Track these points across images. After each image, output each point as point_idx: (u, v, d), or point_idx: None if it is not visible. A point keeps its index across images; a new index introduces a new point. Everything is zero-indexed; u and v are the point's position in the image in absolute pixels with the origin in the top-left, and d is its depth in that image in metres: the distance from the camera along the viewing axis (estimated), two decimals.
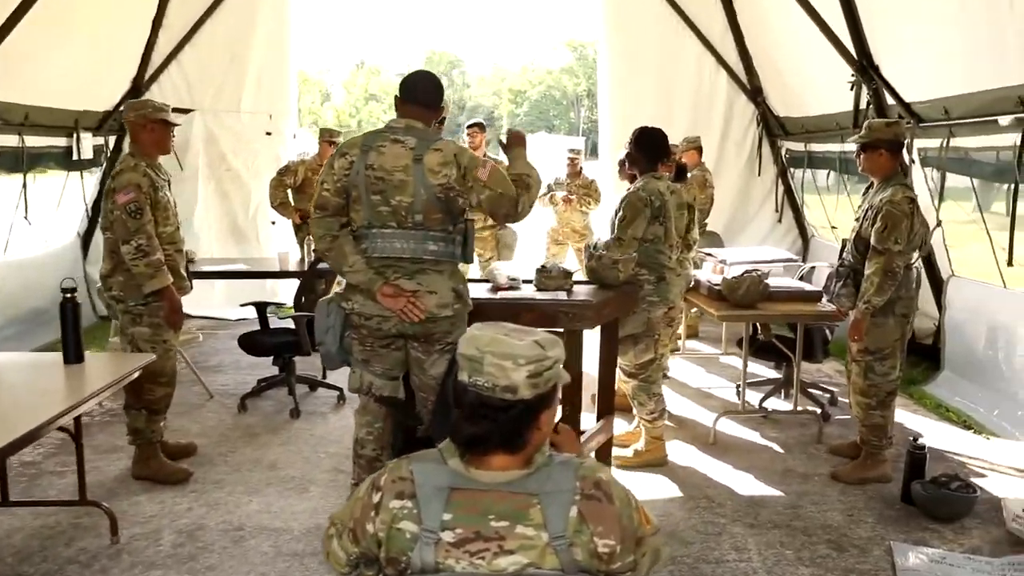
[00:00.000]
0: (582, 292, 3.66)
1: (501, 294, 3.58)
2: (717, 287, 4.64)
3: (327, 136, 6.74)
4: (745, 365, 4.76)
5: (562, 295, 3.55)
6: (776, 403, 5.24)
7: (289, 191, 6.68)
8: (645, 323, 4.09)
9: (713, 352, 6.59)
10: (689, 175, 7.05)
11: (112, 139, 7.83)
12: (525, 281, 3.79)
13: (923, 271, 6.19)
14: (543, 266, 3.70)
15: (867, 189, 4.25)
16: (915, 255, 4.07)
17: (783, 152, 8.12)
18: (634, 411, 4.34)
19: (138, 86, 7.82)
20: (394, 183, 3.01)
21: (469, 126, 6.84)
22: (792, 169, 8.11)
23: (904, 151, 5.70)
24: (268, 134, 8.15)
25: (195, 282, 4.35)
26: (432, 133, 3.11)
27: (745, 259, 5.31)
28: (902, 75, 5.58)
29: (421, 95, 3.14)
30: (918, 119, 5.51)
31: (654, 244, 4.06)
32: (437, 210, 3.05)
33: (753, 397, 5.35)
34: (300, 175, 6.64)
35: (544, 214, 7.37)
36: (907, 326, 4.10)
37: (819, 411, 5.07)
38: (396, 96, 3.17)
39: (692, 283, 5.05)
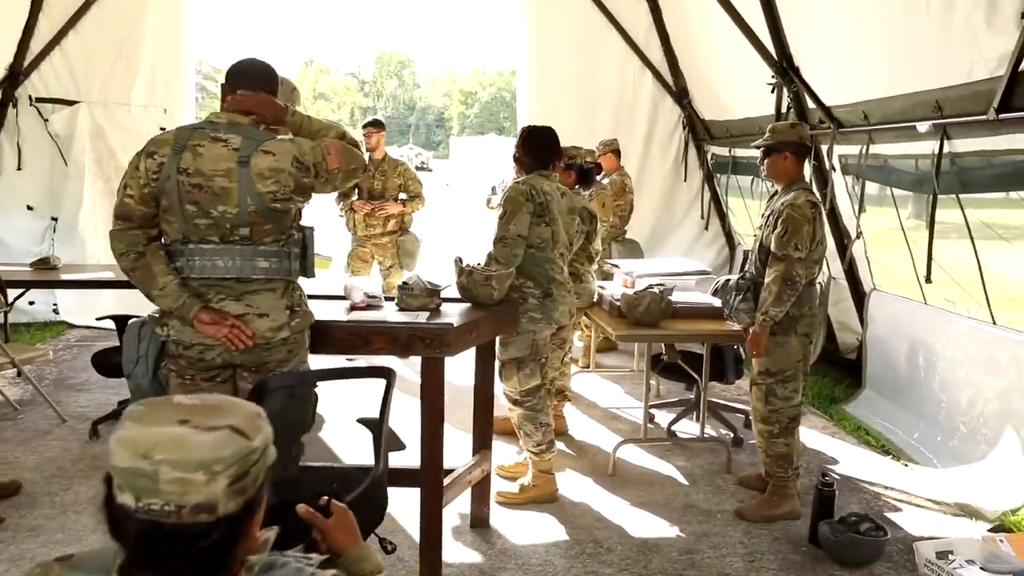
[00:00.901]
0: (450, 313, 3.21)
1: (354, 314, 3.11)
2: (618, 302, 4.24)
3: None
4: (647, 388, 4.36)
5: (423, 316, 3.10)
6: (688, 426, 4.88)
7: None
8: (530, 345, 3.67)
9: (627, 369, 6.20)
10: (607, 180, 6.71)
11: None
12: (389, 299, 3.34)
13: (837, 286, 5.96)
14: (404, 283, 3.24)
15: (772, 196, 3.90)
16: (817, 269, 3.74)
17: (709, 157, 7.81)
18: (519, 442, 3.91)
19: (16, 73, 7.17)
20: (214, 191, 2.53)
21: (364, 125, 6.30)
22: (718, 174, 7.80)
23: (824, 157, 5.45)
24: (162, 129, 7.50)
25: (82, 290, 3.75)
26: (263, 131, 2.63)
27: (654, 271, 4.93)
28: (822, 78, 5.28)
29: (253, 83, 2.67)
30: (838, 124, 5.21)
31: (540, 250, 3.65)
32: (268, 222, 2.58)
33: (665, 419, 4.97)
34: None
35: (478, 220, 6.81)
36: (810, 347, 3.77)
37: (731, 435, 4.72)
38: (221, 85, 2.69)
39: (596, 297, 4.65)
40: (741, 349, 4.71)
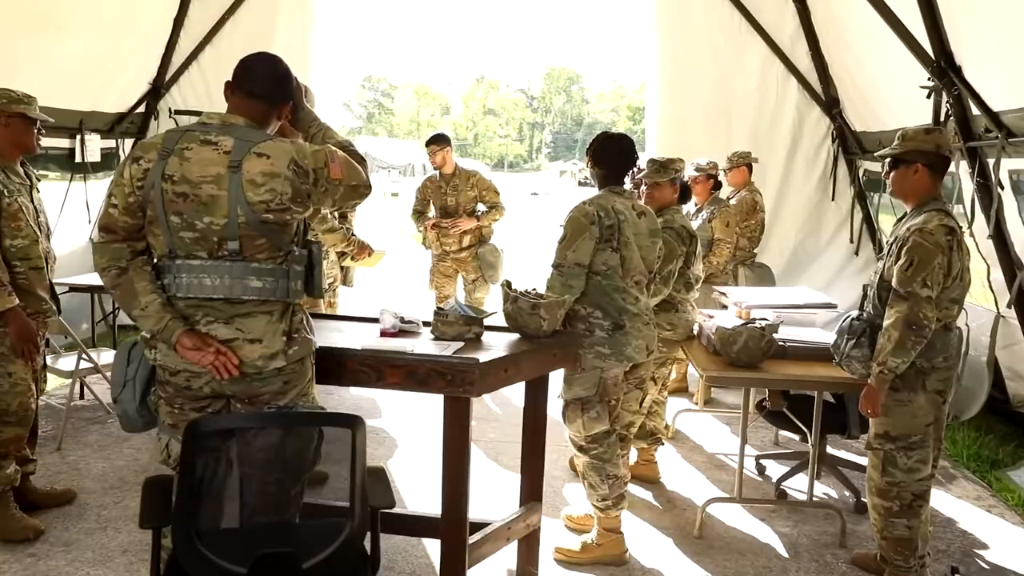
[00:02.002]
0: (491, 344, 2.81)
1: (372, 343, 2.77)
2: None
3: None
4: (743, 439, 3.73)
5: (454, 347, 2.71)
6: (802, 483, 4.18)
7: None
8: (596, 384, 3.19)
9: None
10: (735, 198, 6.06)
11: (129, 142, 7.52)
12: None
13: (1008, 327, 5.00)
14: (439, 308, 2.87)
15: (900, 219, 3.21)
16: (956, 310, 3.02)
17: (861, 173, 6.92)
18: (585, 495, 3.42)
19: (158, 87, 7.50)
20: (200, 199, 2.27)
21: (428, 143, 6.02)
22: (870, 193, 6.89)
23: (990, 172, 4.58)
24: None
25: None
26: (258, 132, 2.35)
27: (769, 302, 4.28)
28: (989, 79, 4.42)
29: (259, 85, 2.40)
30: (1008, 132, 4.34)
31: (607, 278, 3.17)
32: (260, 235, 2.30)
33: (780, 472, 4.30)
34: None
35: None
36: (944, 407, 3.05)
37: (853, 499, 3.98)
38: (226, 83, 2.44)
39: (695, 329, 4.08)
40: None
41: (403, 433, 4.89)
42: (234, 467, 2.22)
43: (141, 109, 7.52)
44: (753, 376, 3.48)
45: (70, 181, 6.96)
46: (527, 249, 12.25)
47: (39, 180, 3.58)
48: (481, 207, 5.97)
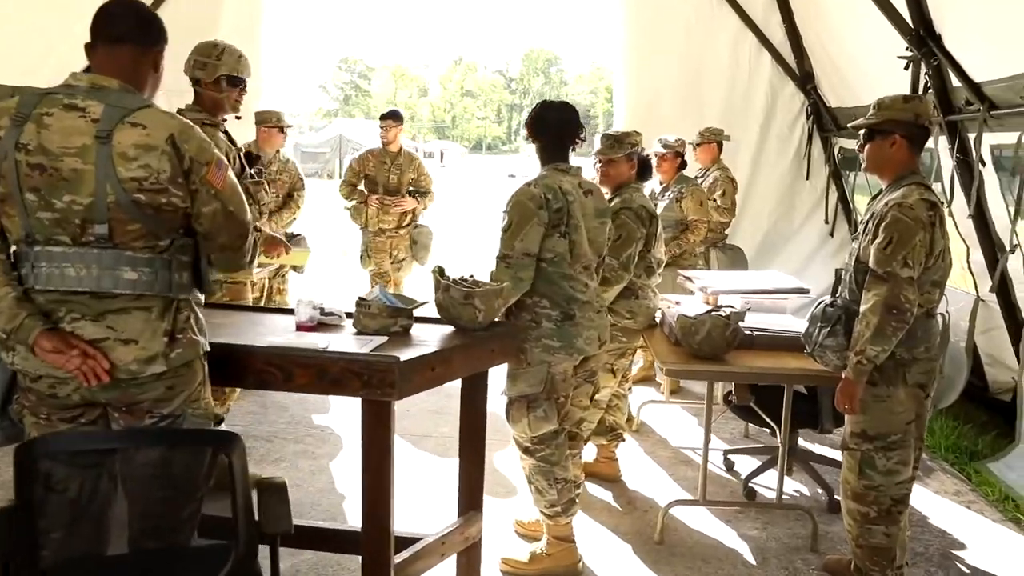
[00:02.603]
0: (419, 339, 2.50)
1: (292, 337, 2.45)
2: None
3: (260, 120, 5.73)
4: (707, 438, 3.43)
5: (377, 342, 2.40)
6: (773, 479, 3.91)
7: None
8: (543, 381, 2.88)
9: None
10: (706, 177, 5.77)
11: None
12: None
13: (988, 310, 4.77)
14: (362, 298, 2.55)
15: (874, 197, 2.93)
16: (937, 294, 2.76)
17: (836, 151, 6.65)
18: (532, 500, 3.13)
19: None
20: (61, 174, 1.93)
21: (383, 117, 6.05)
22: (846, 171, 6.63)
23: (971, 147, 4.32)
24: (238, 117, 7.18)
25: None
26: (134, 97, 2.01)
27: (737, 287, 3.99)
28: (970, 48, 4.16)
29: (119, 24, 2.03)
30: (990, 104, 4.07)
31: (554, 265, 2.86)
32: (133, 219, 1.97)
33: (749, 467, 4.04)
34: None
35: None
36: (926, 402, 2.78)
37: (826, 497, 3.73)
38: (85, 44, 2.08)
39: (658, 317, 3.79)
40: None
41: (351, 430, 4.58)
42: (101, 489, 1.91)
43: None
44: (716, 369, 3.19)
45: None
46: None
47: None
48: (411, 190, 6.06)
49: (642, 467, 4.16)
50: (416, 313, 2.60)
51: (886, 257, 2.62)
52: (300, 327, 2.57)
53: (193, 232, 2.09)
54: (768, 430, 4.03)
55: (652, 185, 5.56)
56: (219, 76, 3.46)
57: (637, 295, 3.67)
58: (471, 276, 2.75)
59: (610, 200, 3.68)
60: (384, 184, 5.97)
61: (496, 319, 2.67)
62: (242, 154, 3.68)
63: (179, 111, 3.63)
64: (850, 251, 2.95)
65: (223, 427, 3.57)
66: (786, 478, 3.94)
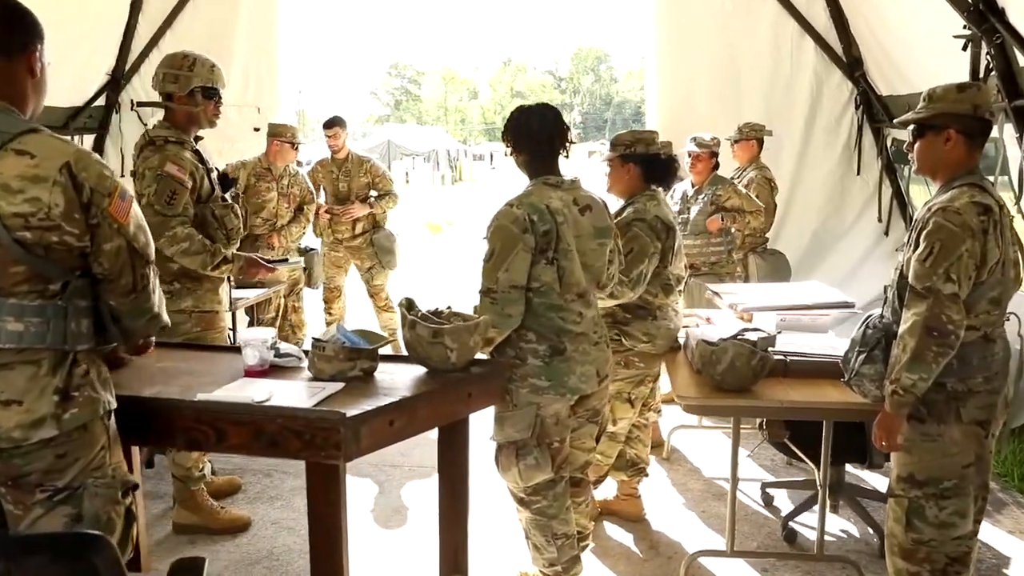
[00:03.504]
0: (383, 384, 2.16)
1: (233, 388, 2.13)
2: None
3: (274, 132, 5.50)
4: (733, 482, 3.00)
5: (330, 390, 2.07)
6: (829, 521, 3.46)
7: None
8: (531, 424, 2.52)
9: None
10: (743, 177, 5.33)
11: (89, 139, 6.98)
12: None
13: None
14: (316, 339, 2.22)
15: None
16: (996, 312, 2.32)
17: (889, 143, 6.11)
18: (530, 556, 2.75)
19: (118, 77, 6.91)
20: None
21: (327, 124, 5.87)
22: (900, 165, 6.08)
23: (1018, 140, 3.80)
24: (256, 130, 7.00)
25: None
26: (17, 119, 1.72)
27: (774, 302, 3.57)
28: None
29: None
30: None
31: (541, 295, 2.49)
32: (16, 260, 1.68)
33: (788, 503, 3.60)
34: (242, 182, 5.43)
35: None
36: (989, 441, 2.35)
37: (877, 540, 3.27)
38: None
39: (683, 338, 3.38)
40: None
41: (357, 464, 4.27)
42: None
43: (100, 102, 6.97)
44: (741, 404, 2.78)
45: None
46: None
47: None
48: (373, 194, 5.87)
49: (669, 504, 3.76)
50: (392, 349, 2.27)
51: (926, 271, 2.22)
52: (248, 372, 2.26)
53: (91, 273, 1.79)
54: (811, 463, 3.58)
55: (684, 187, 5.15)
56: (193, 88, 3.22)
57: (655, 315, 3.27)
58: (448, 308, 2.40)
59: (621, 210, 3.30)
60: (335, 193, 5.83)
61: (477, 356, 2.33)
62: (215, 175, 3.42)
63: (146, 131, 3.38)
64: (896, 264, 2.51)
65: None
66: (832, 516, 3.52)
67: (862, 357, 2.40)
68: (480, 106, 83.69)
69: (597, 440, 2.81)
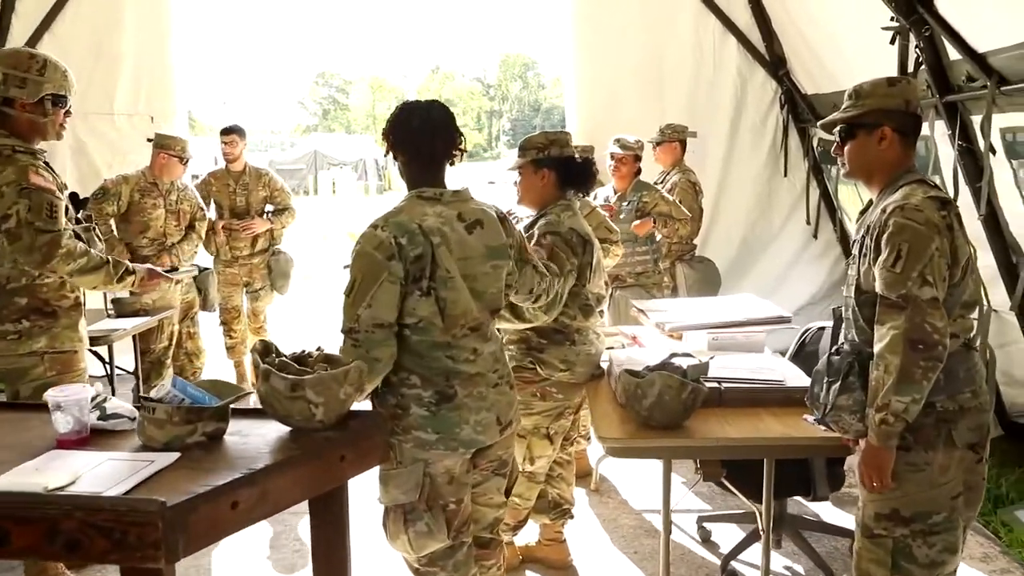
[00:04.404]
0: (235, 451, 1.74)
1: (30, 468, 1.68)
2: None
3: (161, 144, 4.98)
4: (666, 524, 2.65)
5: (159, 464, 1.64)
6: (758, 555, 3.16)
7: (112, 221, 4.92)
8: (418, 484, 2.11)
9: None
10: (666, 181, 5.05)
11: None
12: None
13: (1001, 321, 4.06)
14: (144, 397, 1.78)
15: (863, 211, 2.23)
16: (971, 317, 2.06)
17: (815, 143, 5.92)
18: None
19: None
20: None
21: (224, 131, 5.51)
22: (827, 165, 5.91)
23: (976, 133, 3.60)
24: (149, 140, 6.45)
25: None
26: None
27: (703, 319, 3.25)
28: (969, 12, 3.43)
29: None
30: (999, 79, 3.34)
31: (420, 332, 2.10)
32: None
33: (726, 537, 3.29)
34: (125, 198, 4.89)
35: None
36: (981, 467, 2.09)
37: None
38: None
39: (605, 365, 3.02)
40: None
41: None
42: None
43: None
44: (670, 444, 2.42)
45: None
46: None
47: None
48: (269, 208, 5.54)
49: (598, 544, 3.40)
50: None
51: (898, 277, 1.94)
52: (61, 443, 1.80)
53: None
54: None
55: (606, 193, 4.83)
56: (43, 96, 2.74)
57: (573, 340, 2.91)
58: (318, 349, 1.99)
59: (532, 222, 2.94)
60: (231, 207, 5.41)
61: (350, 409, 1.92)
62: (66, 195, 2.94)
63: None
64: (846, 282, 2.21)
65: None
66: (774, 553, 3.20)
67: (835, 388, 2.07)
68: None
69: (507, 493, 2.42)
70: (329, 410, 1.82)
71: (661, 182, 5.03)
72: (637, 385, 2.43)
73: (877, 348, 1.98)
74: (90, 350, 4.46)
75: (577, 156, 2.99)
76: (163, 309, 4.77)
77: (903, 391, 1.92)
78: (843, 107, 2.17)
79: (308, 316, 8.22)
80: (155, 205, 4.91)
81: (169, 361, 5.04)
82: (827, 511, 3.57)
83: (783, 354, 3.28)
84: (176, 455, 1.70)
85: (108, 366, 4.53)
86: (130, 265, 2.95)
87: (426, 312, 2.07)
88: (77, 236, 2.86)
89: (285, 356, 1.90)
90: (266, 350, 1.89)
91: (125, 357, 4.91)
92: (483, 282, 2.17)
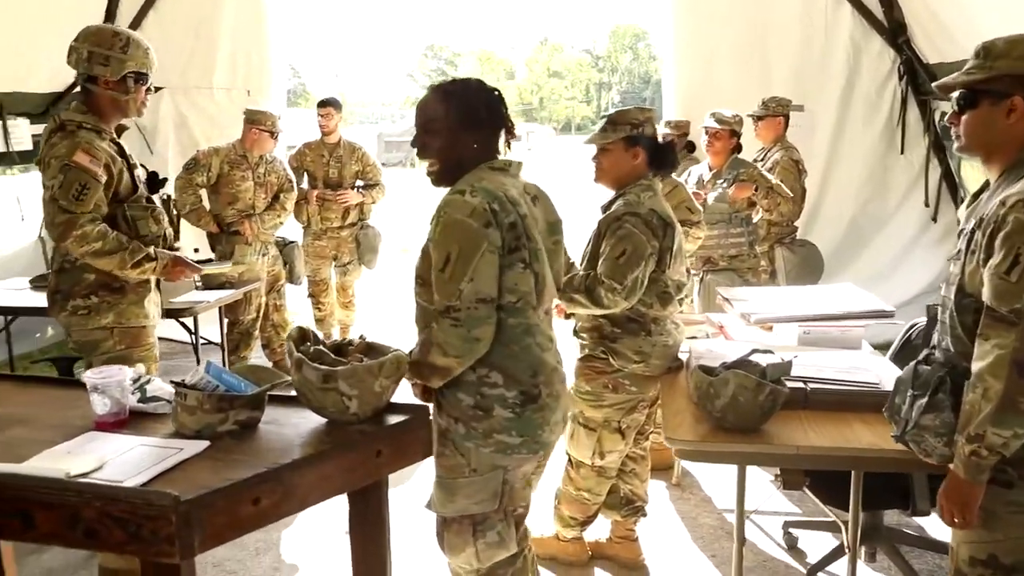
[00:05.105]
0: (265, 441, 1.67)
1: (61, 451, 1.65)
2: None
3: (252, 119, 5.03)
4: (740, 542, 2.43)
5: (186, 453, 1.58)
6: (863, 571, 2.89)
7: (203, 192, 5.03)
8: (497, 494, 1.98)
9: None
10: (770, 160, 4.73)
11: None
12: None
13: None
14: (178, 383, 1.72)
15: (978, 192, 1.94)
16: None
17: (937, 117, 5.43)
18: None
19: None
20: None
21: (321, 104, 5.52)
22: (950, 141, 5.40)
23: None
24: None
25: None
26: None
27: (794, 311, 2.99)
28: None
29: None
30: None
31: (515, 314, 1.95)
32: None
33: (815, 546, 3.05)
34: (215, 170, 4.98)
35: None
36: None
37: None
38: None
39: (684, 357, 2.82)
40: None
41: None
42: None
43: None
44: (744, 450, 2.21)
45: None
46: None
47: None
48: (359, 183, 5.56)
49: (675, 544, 3.22)
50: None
51: (1012, 287, 1.65)
52: (99, 425, 1.77)
53: None
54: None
55: (700, 170, 4.58)
56: (126, 74, 2.75)
57: (649, 330, 2.72)
58: (360, 337, 1.89)
59: (610, 202, 2.75)
60: (324, 179, 5.45)
61: (390, 402, 1.81)
62: (140, 173, 2.96)
63: (57, 114, 2.92)
64: (946, 278, 1.93)
65: None
66: (866, 569, 2.94)
67: (921, 403, 1.81)
68: (517, 86, 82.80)
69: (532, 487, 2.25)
70: (364, 403, 1.71)
71: (761, 160, 4.71)
72: (710, 384, 2.23)
73: (976, 367, 1.70)
74: (178, 320, 4.61)
75: (670, 132, 2.80)
76: (250, 282, 4.85)
77: (1003, 423, 1.65)
78: (966, 67, 1.85)
79: (404, 290, 8.26)
80: (244, 177, 4.99)
81: (257, 333, 5.13)
82: (932, 524, 3.26)
83: (886, 350, 3.00)
84: (205, 444, 1.64)
85: (194, 336, 4.63)
86: (152, 252, 2.83)
87: (527, 288, 1.91)
88: (125, 215, 2.82)
89: (324, 345, 1.81)
90: (302, 337, 1.80)
91: (211, 327, 5.01)
92: (550, 258, 2.03)
